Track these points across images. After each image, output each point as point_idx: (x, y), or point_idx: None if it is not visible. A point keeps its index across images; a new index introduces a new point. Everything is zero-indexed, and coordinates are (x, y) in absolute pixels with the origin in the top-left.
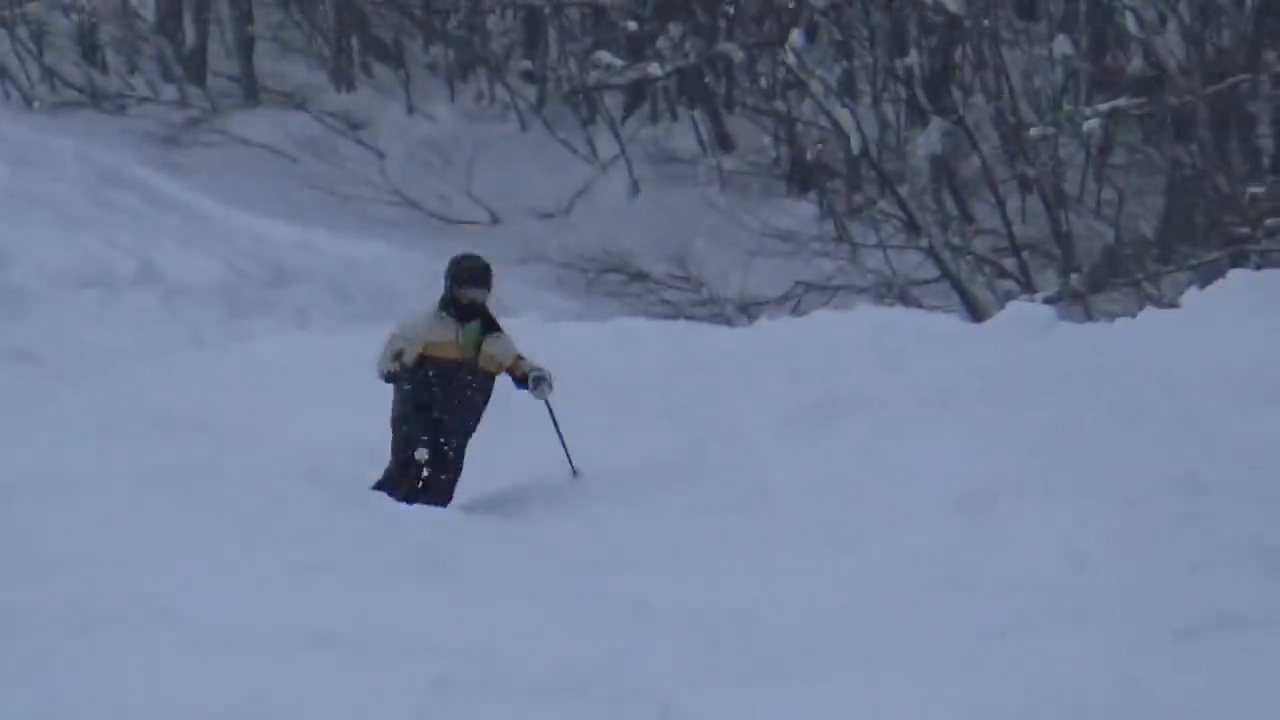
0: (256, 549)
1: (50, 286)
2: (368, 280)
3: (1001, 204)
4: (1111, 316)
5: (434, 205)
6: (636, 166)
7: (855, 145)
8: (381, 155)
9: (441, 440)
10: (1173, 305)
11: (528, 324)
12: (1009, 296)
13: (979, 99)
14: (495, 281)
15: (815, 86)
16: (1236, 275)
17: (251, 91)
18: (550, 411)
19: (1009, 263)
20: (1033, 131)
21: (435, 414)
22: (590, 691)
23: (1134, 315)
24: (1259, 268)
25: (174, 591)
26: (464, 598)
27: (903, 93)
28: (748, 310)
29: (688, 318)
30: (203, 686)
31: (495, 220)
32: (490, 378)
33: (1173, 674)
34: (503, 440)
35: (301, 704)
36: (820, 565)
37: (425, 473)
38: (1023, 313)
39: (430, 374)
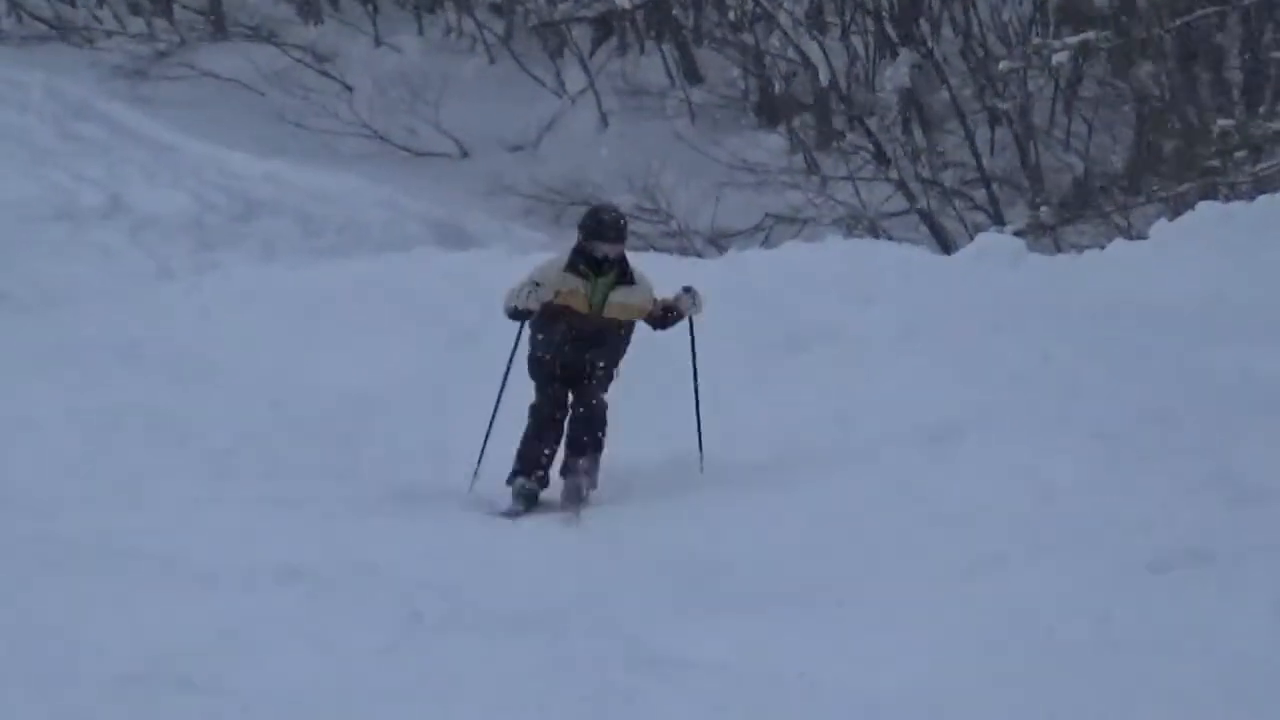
0: (224, 484)
1: (17, 220)
2: (336, 213)
3: (970, 136)
4: (1080, 249)
5: (402, 138)
6: (605, 99)
7: (824, 78)
8: (349, 88)
9: (577, 376)
10: (1142, 237)
11: (495, 256)
12: (978, 229)
13: (947, 32)
14: (627, 234)
15: (784, 19)
16: (1205, 208)
17: (219, 25)
18: (691, 335)
19: (978, 195)
20: (1002, 65)
21: (568, 354)
22: (558, 626)
23: (1103, 247)
24: (1228, 200)
25: (141, 527)
26: (434, 533)
27: (871, 25)
28: (717, 242)
29: (657, 250)
30: (170, 621)
31: (463, 153)
32: (624, 328)
33: (1143, 607)
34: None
35: (270, 638)
36: (788, 500)
37: (567, 411)
38: (992, 245)
39: (559, 320)
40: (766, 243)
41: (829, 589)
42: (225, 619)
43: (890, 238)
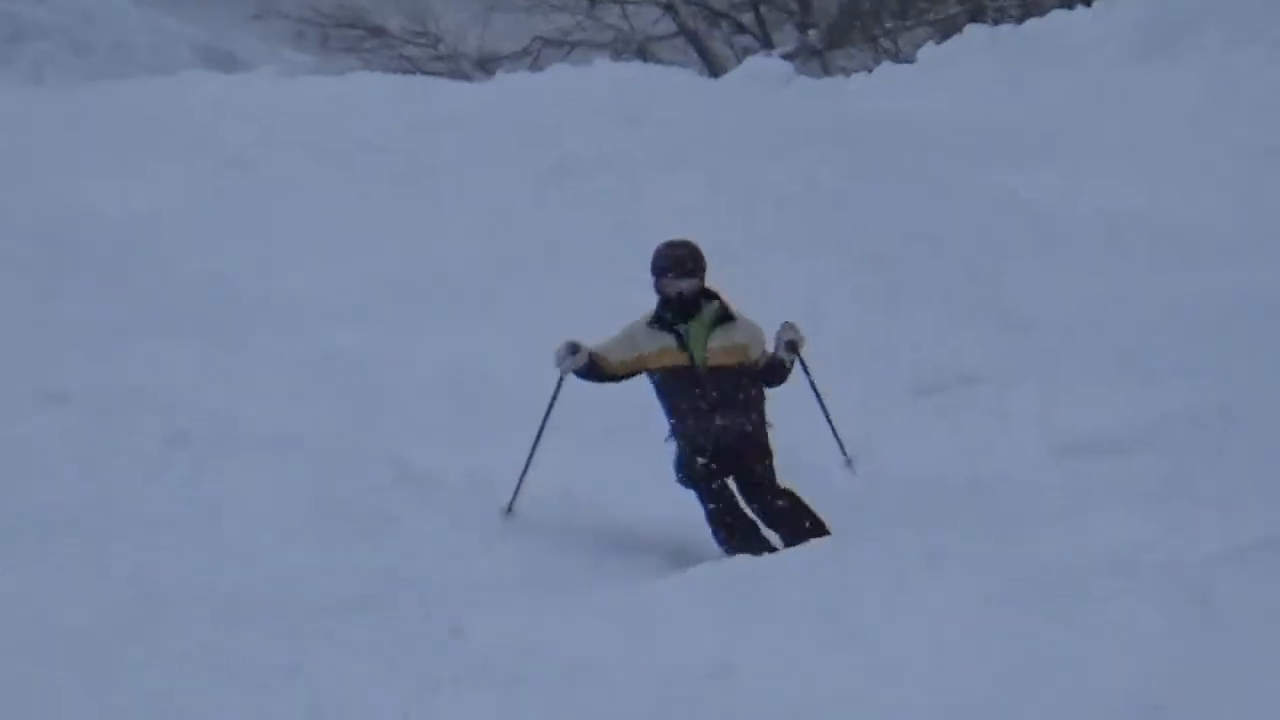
0: None
1: None
2: (105, 34)
3: None
4: (849, 72)
5: None
6: None
7: None
8: None
9: (728, 457)
10: (910, 61)
11: (261, 79)
12: (747, 52)
13: None
14: (706, 262)
15: None
16: (973, 31)
17: None
18: (809, 377)
19: (746, 18)
20: None
21: (700, 409)
22: (323, 447)
23: (871, 71)
24: (995, 23)
25: None
26: (202, 359)
27: None
28: (486, 66)
29: (425, 73)
30: None
31: None
32: (745, 376)
33: (909, 428)
34: None
35: (34, 460)
36: (565, 314)
37: (730, 474)
38: (760, 69)
39: (666, 384)
40: (535, 66)
41: None
42: None
43: (659, 61)
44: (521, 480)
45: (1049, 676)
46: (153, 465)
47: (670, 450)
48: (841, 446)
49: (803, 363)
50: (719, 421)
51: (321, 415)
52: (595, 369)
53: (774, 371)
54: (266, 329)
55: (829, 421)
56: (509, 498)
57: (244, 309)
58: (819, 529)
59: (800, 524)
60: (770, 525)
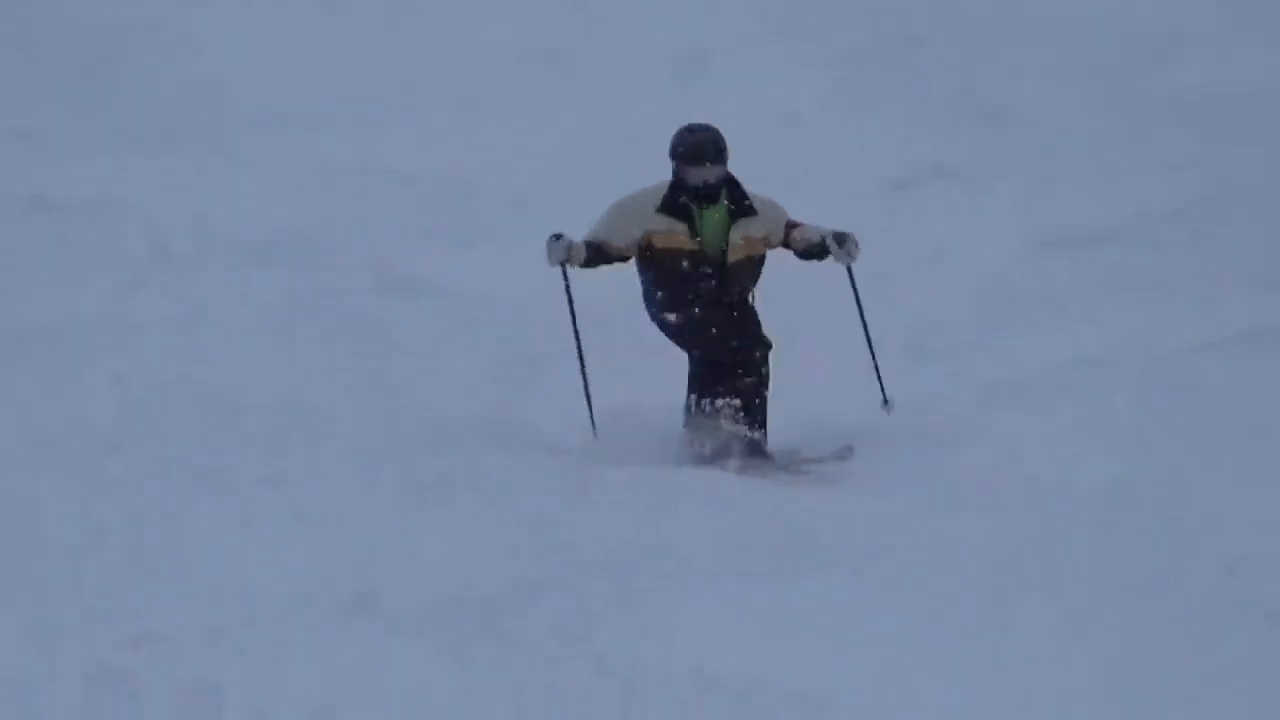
0: None
1: None
2: None
3: None
4: None
5: None
6: None
7: None
8: None
9: (723, 340)
10: None
11: None
12: None
13: None
14: (729, 151)
15: None
16: None
17: None
18: (853, 284)
19: None
20: None
21: (698, 311)
22: (305, 256)
23: None
24: None
25: None
26: (181, 168)
27: None
28: None
29: None
30: None
31: None
32: (756, 264)
33: (887, 224)
34: None
35: (14, 269)
36: (533, 127)
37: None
38: None
39: (670, 270)
40: None
41: (571, 214)
42: None
43: None
44: (589, 398)
45: (1033, 466)
46: (134, 274)
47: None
48: (882, 386)
49: (854, 283)
50: (724, 301)
51: (303, 223)
52: (602, 254)
53: (807, 251)
54: (252, 137)
55: (873, 357)
56: (589, 425)
57: (231, 118)
58: (756, 448)
59: (747, 415)
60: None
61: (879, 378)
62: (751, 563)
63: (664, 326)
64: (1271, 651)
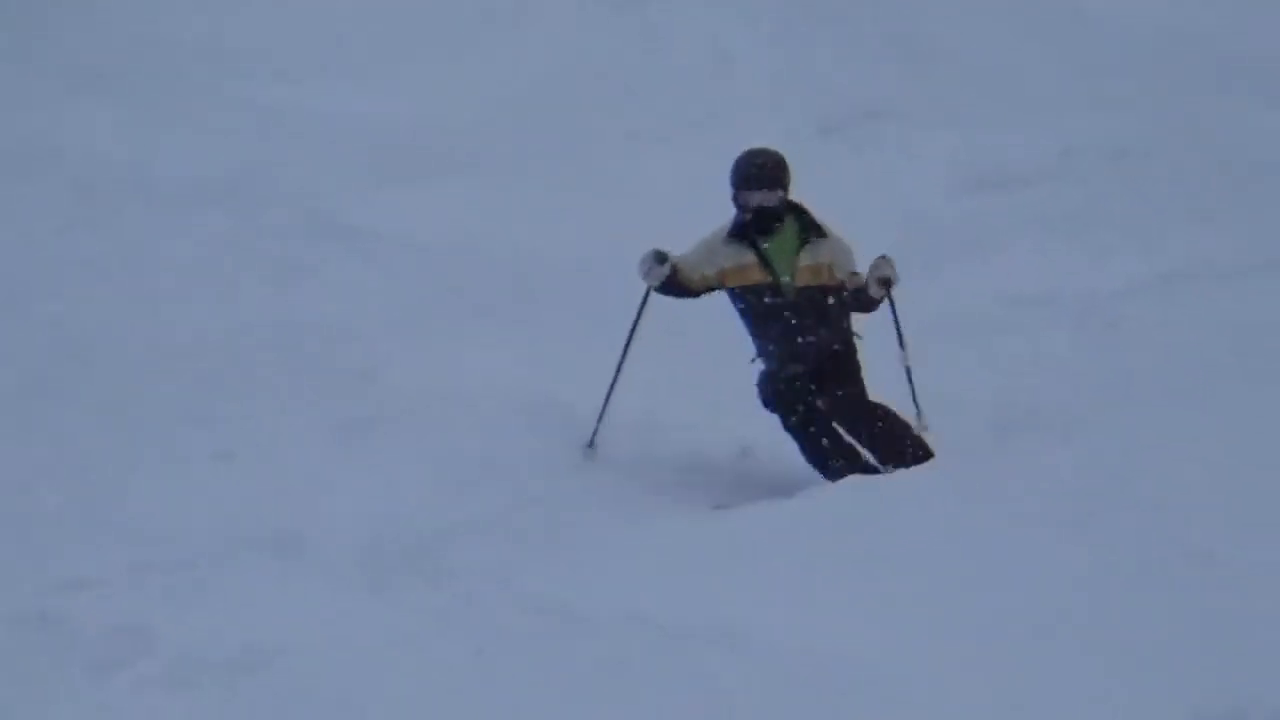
0: None
1: None
2: None
3: None
4: None
5: None
6: None
7: None
8: None
9: (812, 347)
10: None
11: None
12: None
13: None
14: (791, 173)
15: None
16: None
17: None
18: (896, 323)
19: None
20: None
21: (788, 330)
22: (238, 200)
23: None
24: None
25: None
26: (120, 116)
27: None
28: None
29: None
30: None
31: None
32: (833, 295)
33: (818, 163)
34: None
35: None
36: (467, 69)
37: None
38: None
39: (749, 299)
40: None
41: (507, 160)
42: None
43: None
44: (604, 409)
45: (968, 397)
46: (67, 217)
47: (755, 370)
48: (917, 406)
49: (892, 303)
50: (807, 338)
51: (237, 166)
52: (675, 282)
53: (860, 303)
54: (186, 83)
55: (909, 380)
56: (590, 433)
57: (166, 65)
58: (920, 448)
59: (901, 444)
60: (868, 446)
61: (915, 401)
62: (684, 502)
63: (775, 396)
64: (1193, 590)
